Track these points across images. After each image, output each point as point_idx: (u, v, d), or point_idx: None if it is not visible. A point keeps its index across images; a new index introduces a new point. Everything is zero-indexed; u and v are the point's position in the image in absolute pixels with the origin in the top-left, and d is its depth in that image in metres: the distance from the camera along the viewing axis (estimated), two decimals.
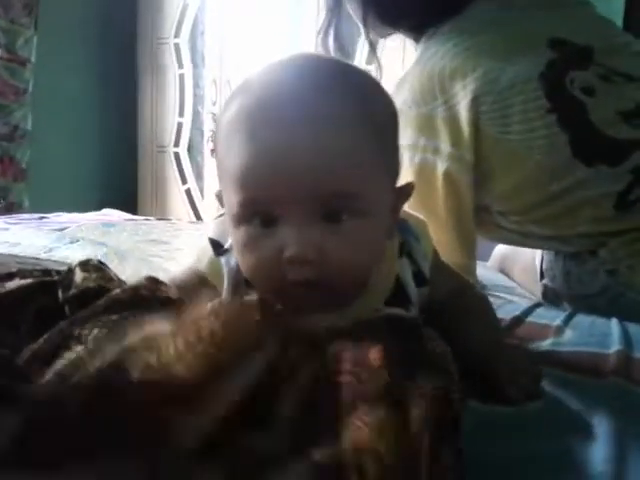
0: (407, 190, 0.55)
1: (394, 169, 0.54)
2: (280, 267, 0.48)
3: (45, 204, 1.87)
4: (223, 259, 0.57)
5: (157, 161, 3.08)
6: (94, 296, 0.46)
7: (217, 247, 0.57)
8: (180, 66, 2.96)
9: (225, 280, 0.56)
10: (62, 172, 2.88)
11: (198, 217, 2.94)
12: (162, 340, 0.40)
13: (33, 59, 2.60)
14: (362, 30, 1.10)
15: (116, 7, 3.04)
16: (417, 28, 1.06)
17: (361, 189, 0.48)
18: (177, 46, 2.95)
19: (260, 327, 0.42)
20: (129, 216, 1.80)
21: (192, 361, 0.36)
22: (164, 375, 0.35)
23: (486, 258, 1.32)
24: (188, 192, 3.02)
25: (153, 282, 0.48)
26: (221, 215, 0.61)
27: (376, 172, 0.50)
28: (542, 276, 1.05)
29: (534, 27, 1.00)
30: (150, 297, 0.47)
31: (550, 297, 1.04)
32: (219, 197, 0.56)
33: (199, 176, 2.97)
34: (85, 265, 0.49)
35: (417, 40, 1.07)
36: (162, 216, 2.61)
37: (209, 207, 2.93)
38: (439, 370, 0.43)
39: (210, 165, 2.91)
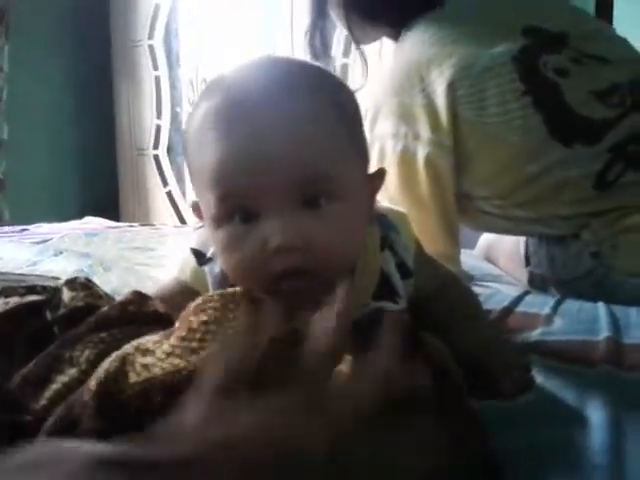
0: (380, 175, 0.57)
1: (364, 156, 0.56)
2: (266, 261, 0.48)
3: (25, 214, 1.85)
4: (207, 268, 0.57)
5: (137, 164, 3.04)
6: (83, 315, 0.45)
7: (200, 256, 0.58)
8: (155, 68, 2.93)
9: (210, 289, 0.56)
10: (41, 181, 2.84)
11: (181, 219, 2.92)
12: (154, 342, 0.40)
13: (6, 68, 2.56)
14: (347, 33, 1.13)
15: (88, 11, 3.00)
16: (397, 23, 1.07)
17: (335, 172, 0.49)
18: (151, 47, 2.92)
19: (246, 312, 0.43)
20: (112, 223, 1.78)
21: (185, 352, 0.37)
22: (161, 371, 0.36)
23: (472, 247, 1.33)
24: (169, 194, 3.00)
25: (139, 297, 0.48)
26: (202, 226, 0.61)
27: (348, 156, 0.52)
28: (527, 262, 1.07)
29: (509, 17, 1.02)
30: (138, 313, 0.46)
31: (536, 283, 1.05)
32: (195, 207, 0.57)
33: (180, 178, 2.95)
34: (72, 283, 0.49)
35: (397, 39, 1.08)
36: (145, 220, 2.59)
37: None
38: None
39: None
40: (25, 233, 1.52)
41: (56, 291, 0.49)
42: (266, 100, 0.49)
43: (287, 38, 2.42)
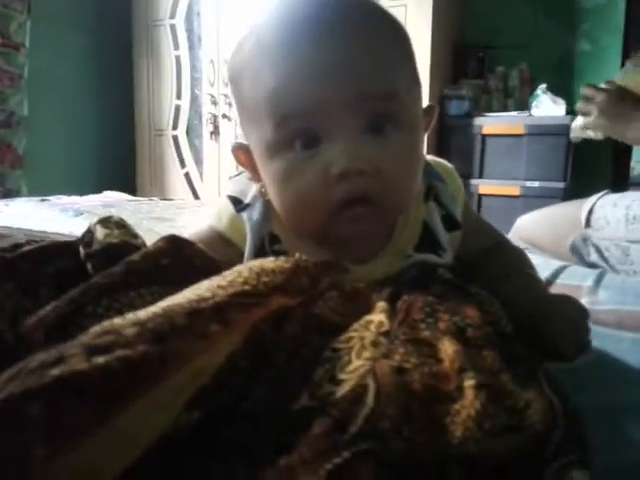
0: (431, 111, 0.54)
1: (421, 88, 0.53)
2: (328, 188, 0.45)
3: (43, 191, 1.83)
4: (245, 214, 0.54)
5: (155, 145, 3.03)
6: (118, 252, 0.42)
7: (237, 203, 0.55)
8: (176, 47, 2.91)
9: (248, 236, 0.53)
10: (59, 158, 2.84)
11: (198, 200, 2.91)
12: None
13: (27, 44, 2.54)
14: None
15: None
16: None
17: (404, 94, 0.47)
18: (173, 27, 2.90)
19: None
20: (131, 197, 1.76)
21: (211, 287, 0.34)
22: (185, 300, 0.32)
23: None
24: (187, 175, 2.98)
25: (174, 246, 0.44)
26: (238, 174, 0.59)
27: (413, 82, 0.50)
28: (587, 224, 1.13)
29: None
30: (171, 267, 0.43)
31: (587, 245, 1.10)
32: (237, 149, 0.54)
33: (198, 159, 2.93)
34: (106, 222, 0.46)
35: None
36: None
37: (209, 190, 2.90)
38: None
39: (209, 148, 2.87)
40: (45, 203, 1.50)
41: (88, 231, 0.46)
42: (326, 20, 0.45)
43: None
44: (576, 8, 2.58)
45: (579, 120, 1.17)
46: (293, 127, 0.46)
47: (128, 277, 0.40)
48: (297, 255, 0.47)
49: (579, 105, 1.15)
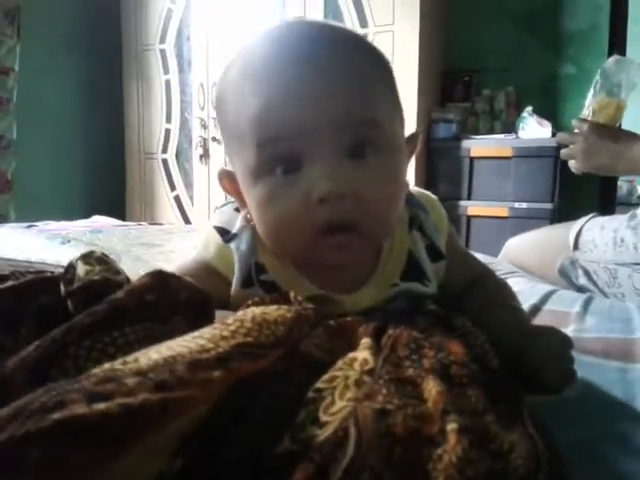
0: (414, 139, 0.54)
1: (402, 115, 0.53)
2: (309, 213, 0.45)
3: (31, 216, 1.82)
4: (233, 245, 0.54)
5: (145, 168, 3.03)
6: (100, 289, 0.42)
7: (224, 234, 0.54)
8: (166, 72, 2.93)
9: (236, 266, 0.53)
10: (48, 182, 2.83)
11: (188, 224, 2.90)
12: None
13: (17, 68, 2.55)
14: None
15: (100, 14, 3.00)
16: None
17: (383, 119, 0.48)
18: (163, 52, 2.92)
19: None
20: (119, 222, 1.76)
21: (213, 337, 0.33)
22: (186, 349, 0.32)
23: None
24: (177, 199, 2.98)
25: (160, 281, 0.43)
26: (224, 205, 0.59)
27: (393, 107, 0.50)
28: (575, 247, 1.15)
29: None
30: (158, 304, 0.42)
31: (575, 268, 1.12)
32: (223, 176, 0.54)
33: (188, 183, 2.93)
34: (88, 258, 0.45)
35: None
36: None
37: (199, 214, 2.89)
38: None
39: (199, 171, 2.87)
40: (32, 229, 1.49)
41: (70, 266, 0.45)
42: (311, 47, 0.46)
43: None
44: (560, 32, 2.62)
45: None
46: (274, 152, 0.46)
47: (112, 316, 0.39)
48: (292, 295, 0.47)
49: (563, 155, 1.16)
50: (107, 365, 0.29)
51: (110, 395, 0.26)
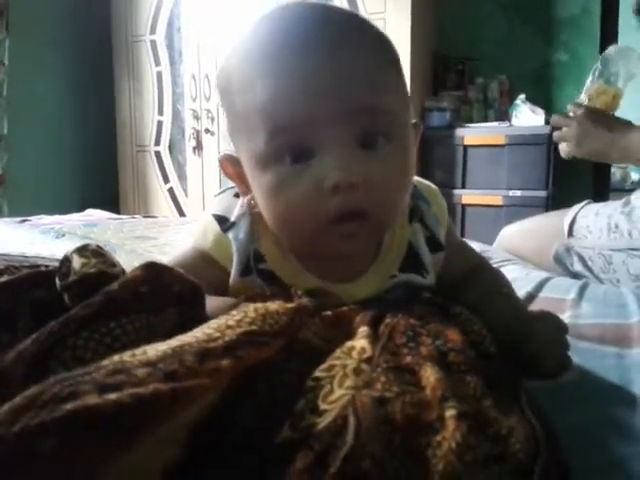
0: (417, 127, 0.54)
1: (409, 101, 0.52)
2: (320, 202, 0.45)
3: (25, 210, 1.81)
4: (231, 233, 0.53)
5: (138, 161, 3.02)
6: (95, 282, 0.42)
7: (223, 222, 0.54)
8: (157, 63, 2.91)
9: (235, 256, 0.53)
10: (41, 176, 2.81)
11: (183, 216, 2.89)
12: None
13: (6, 62, 2.52)
14: None
15: (90, 5, 2.97)
16: None
17: (395, 109, 0.47)
18: (153, 43, 2.89)
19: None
20: (113, 215, 1.75)
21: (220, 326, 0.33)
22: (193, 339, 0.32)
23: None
24: (171, 191, 2.97)
25: (154, 273, 0.43)
26: (222, 191, 0.58)
27: (404, 97, 0.50)
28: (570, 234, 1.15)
29: None
30: (152, 296, 0.42)
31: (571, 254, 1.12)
32: (225, 161, 0.53)
33: (181, 175, 2.92)
34: (83, 250, 0.45)
35: None
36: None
37: (193, 205, 2.88)
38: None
39: (192, 163, 2.86)
40: (26, 223, 1.48)
41: (65, 260, 0.45)
42: (318, 32, 0.45)
43: None
44: (552, 19, 2.62)
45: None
46: (285, 140, 0.45)
47: (107, 307, 0.39)
48: (293, 290, 0.47)
49: (556, 137, 1.15)
50: (116, 357, 0.29)
51: (121, 385, 0.27)
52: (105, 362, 0.29)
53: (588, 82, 1.15)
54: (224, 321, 0.35)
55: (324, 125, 0.44)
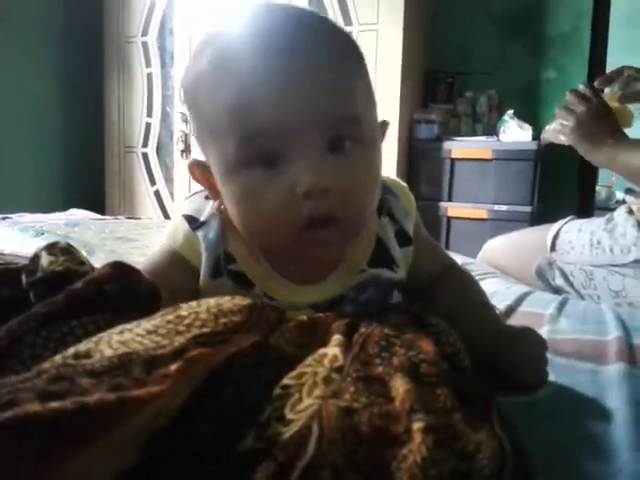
0: (384, 126, 0.54)
1: (376, 105, 0.52)
2: (293, 207, 0.44)
3: (10, 208, 1.79)
4: (200, 233, 0.53)
5: (125, 162, 2.99)
6: (62, 280, 0.41)
7: (193, 222, 0.54)
8: (148, 65, 2.89)
9: (204, 255, 0.52)
10: (27, 175, 2.78)
11: (168, 219, 2.87)
12: (134, 324, 0.35)
13: None
14: None
15: (81, 5, 2.96)
16: None
17: (363, 114, 0.47)
18: (145, 44, 2.88)
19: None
20: (96, 215, 1.73)
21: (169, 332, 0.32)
22: (141, 346, 0.31)
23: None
24: (157, 193, 2.95)
25: (120, 272, 0.42)
26: (193, 194, 0.58)
27: (370, 100, 0.50)
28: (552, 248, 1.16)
29: None
30: (116, 295, 0.41)
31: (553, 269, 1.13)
32: (194, 167, 0.52)
33: (168, 177, 2.90)
34: (52, 248, 0.44)
35: None
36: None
37: (179, 209, 2.86)
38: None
39: (180, 166, 2.85)
40: (6, 221, 1.46)
41: (34, 257, 0.44)
42: (289, 37, 0.45)
43: None
44: (543, 36, 2.64)
45: (553, 124, 1.15)
46: (254, 147, 0.45)
47: (69, 305, 0.38)
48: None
49: (558, 111, 1.12)
50: (58, 359, 0.28)
51: (64, 395, 0.26)
52: (46, 365, 0.27)
53: (623, 80, 1.11)
54: (174, 326, 0.34)
55: (294, 131, 0.44)
